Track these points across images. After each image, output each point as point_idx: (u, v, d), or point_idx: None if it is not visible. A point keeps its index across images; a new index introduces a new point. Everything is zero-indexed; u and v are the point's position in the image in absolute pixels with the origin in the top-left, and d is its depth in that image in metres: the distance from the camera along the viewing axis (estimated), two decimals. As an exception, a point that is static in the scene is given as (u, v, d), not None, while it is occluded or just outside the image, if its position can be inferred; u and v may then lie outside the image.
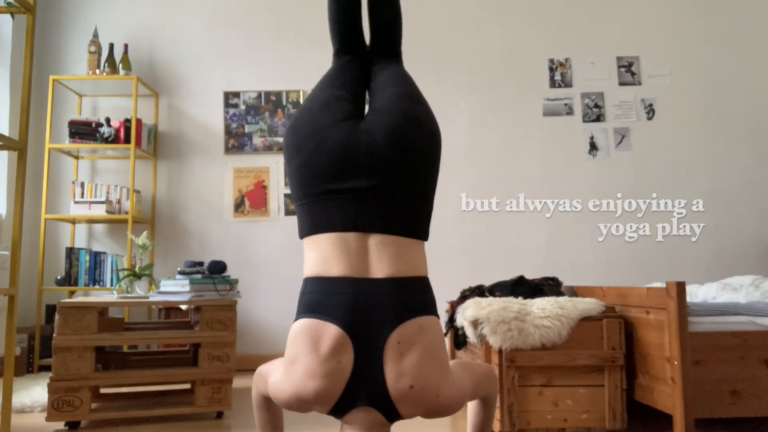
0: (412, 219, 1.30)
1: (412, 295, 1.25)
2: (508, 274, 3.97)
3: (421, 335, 1.21)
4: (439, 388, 1.20)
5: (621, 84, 4.40)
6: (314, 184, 1.29)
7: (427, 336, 1.22)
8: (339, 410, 1.21)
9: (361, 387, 1.19)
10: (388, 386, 1.18)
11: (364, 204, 1.26)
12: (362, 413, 1.20)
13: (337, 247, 1.25)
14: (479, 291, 2.95)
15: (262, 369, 1.43)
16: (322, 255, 1.26)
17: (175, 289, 2.67)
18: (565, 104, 4.40)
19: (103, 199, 4.03)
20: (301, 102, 4.36)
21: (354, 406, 1.20)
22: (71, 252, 4.08)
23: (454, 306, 2.89)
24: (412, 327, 1.21)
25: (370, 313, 1.21)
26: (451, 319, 2.82)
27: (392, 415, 1.21)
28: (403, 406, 1.19)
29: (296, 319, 1.27)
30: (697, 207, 4.31)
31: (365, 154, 1.27)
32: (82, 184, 4.08)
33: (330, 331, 1.19)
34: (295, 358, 1.21)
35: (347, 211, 1.26)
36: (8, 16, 3.73)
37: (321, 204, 1.29)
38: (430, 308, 1.28)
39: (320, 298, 1.24)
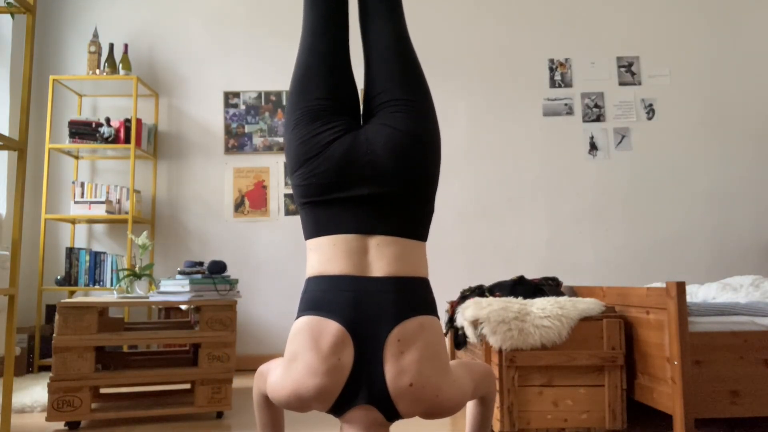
0: (413, 222, 1.32)
1: (413, 294, 1.26)
2: (508, 274, 3.98)
3: (422, 333, 1.22)
4: (439, 387, 1.20)
5: (621, 84, 4.41)
6: (318, 193, 1.31)
7: (428, 335, 1.23)
8: (338, 408, 1.21)
9: (361, 384, 1.19)
10: (388, 384, 1.18)
11: (365, 209, 1.29)
12: (362, 412, 1.20)
13: (338, 247, 1.27)
14: (479, 291, 2.95)
15: (263, 368, 1.43)
16: (324, 255, 1.29)
17: (175, 289, 2.67)
18: (565, 104, 4.40)
19: (103, 199, 4.03)
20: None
21: (353, 404, 1.20)
22: (71, 252, 4.08)
23: (454, 306, 2.89)
24: (413, 325, 1.22)
25: (371, 311, 1.21)
26: (451, 319, 2.81)
27: (391, 413, 1.21)
28: (402, 405, 1.19)
29: (298, 317, 1.27)
30: (697, 207, 4.31)
31: (366, 165, 1.30)
32: (82, 184, 4.08)
33: (331, 327, 1.20)
34: (296, 355, 1.21)
35: (349, 215, 1.29)
36: (8, 16, 3.73)
37: (324, 209, 1.31)
38: (430, 308, 1.28)
39: (322, 295, 1.25)
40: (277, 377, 1.25)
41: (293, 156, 1.35)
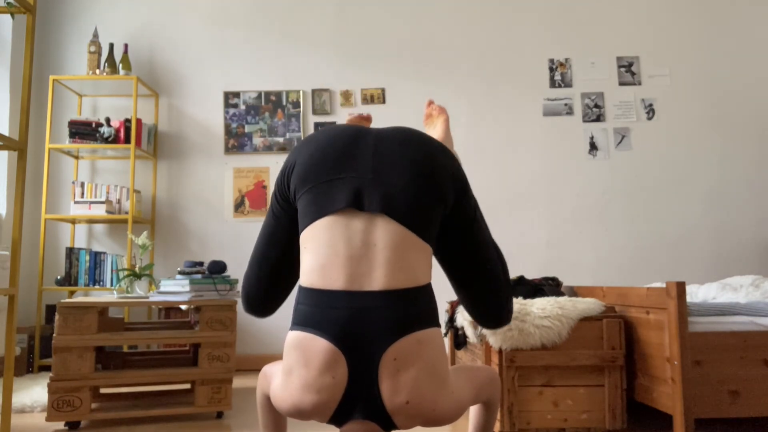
0: (414, 211, 1.24)
1: (411, 308, 1.19)
2: (508, 274, 3.98)
3: (419, 350, 1.17)
4: (436, 401, 1.18)
5: (621, 84, 4.41)
6: (319, 174, 1.27)
7: (426, 350, 1.18)
8: (336, 421, 1.20)
9: (357, 401, 1.17)
10: (385, 401, 1.16)
11: (366, 184, 1.24)
12: (359, 425, 1.19)
13: (333, 249, 1.20)
14: (479, 291, 2.94)
15: (267, 370, 1.42)
16: (319, 259, 1.21)
17: (175, 289, 2.67)
18: (565, 104, 4.40)
19: (103, 199, 4.03)
20: (300, 111, 4.36)
21: (351, 418, 1.19)
22: (71, 252, 4.08)
23: (454, 306, 2.89)
24: (410, 342, 1.16)
25: (364, 328, 1.16)
26: (451, 319, 2.81)
27: (389, 426, 1.20)
28: (399, 420, 1.17)
29: (291, 329, 1.24)
30: (697, 207, 4.31)
31: (371, 147, 1.29)
32: (82, 184, 4.08)
33: (322, 346, 1.16)
34: (291, 369, 1.20)
35: (349, 189, 1.23)
36: (8, 16, 3.73)
37: (322, 188, 1.25)
38: (430, 320, 1.22)
39: (313, 311, 1.19)
40: (278, 388, 1.23)
41: (296, 153, 1.35)
